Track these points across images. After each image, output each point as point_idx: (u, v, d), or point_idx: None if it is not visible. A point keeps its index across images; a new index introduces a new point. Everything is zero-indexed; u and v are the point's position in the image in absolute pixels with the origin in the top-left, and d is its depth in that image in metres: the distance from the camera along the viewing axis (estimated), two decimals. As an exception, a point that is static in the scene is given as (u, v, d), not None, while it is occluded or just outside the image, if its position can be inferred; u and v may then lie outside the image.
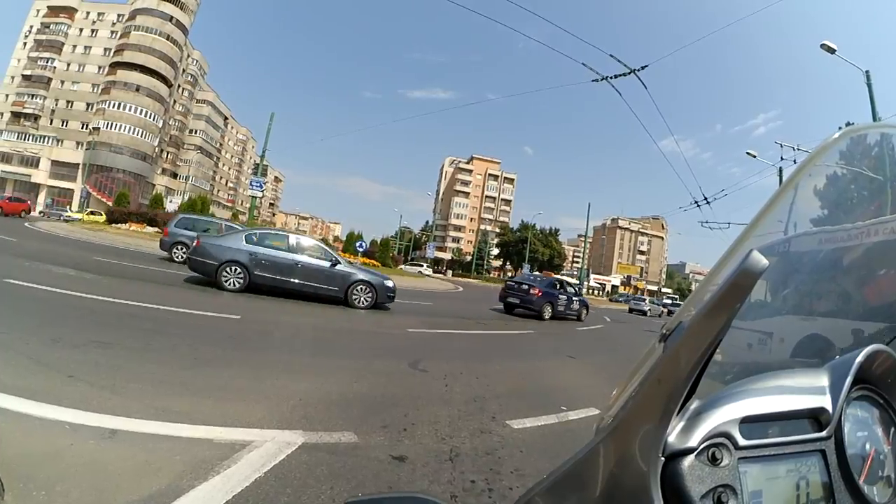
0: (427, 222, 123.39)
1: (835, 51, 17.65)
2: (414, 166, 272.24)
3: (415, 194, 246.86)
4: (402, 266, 65.89)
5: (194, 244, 11.70)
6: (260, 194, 43.20)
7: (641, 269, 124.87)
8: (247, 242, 11.67)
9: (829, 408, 0.69)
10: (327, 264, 12.14)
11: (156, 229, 31.69)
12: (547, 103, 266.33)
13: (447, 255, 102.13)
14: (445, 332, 10.70)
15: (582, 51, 13.07)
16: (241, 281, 11.38)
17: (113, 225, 33.41)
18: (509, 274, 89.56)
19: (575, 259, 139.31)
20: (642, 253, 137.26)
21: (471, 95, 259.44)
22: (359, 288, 12.21)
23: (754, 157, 27.44)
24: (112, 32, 76.29)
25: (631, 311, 46.70)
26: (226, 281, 11.27)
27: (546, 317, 17.58)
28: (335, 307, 11.55)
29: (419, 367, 6.37)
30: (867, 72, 17.91)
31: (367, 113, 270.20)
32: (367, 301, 12.17)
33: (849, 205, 0.99)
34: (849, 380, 0.72)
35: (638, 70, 11.40)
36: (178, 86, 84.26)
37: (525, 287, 18.20)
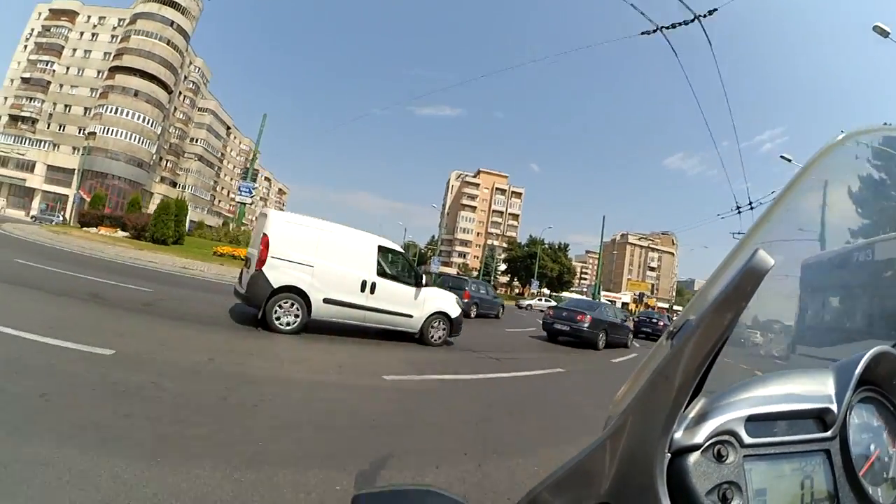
0: (433, 237, 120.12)
1: (888, 34, 15.81)
2: (420, 182, 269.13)
3: (421, 209, 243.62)
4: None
5: (586, 319, 15.39)
6: (249, 201, 40.28)
7: (652, 285, 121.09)
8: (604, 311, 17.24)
9: (835, 408, 0.69)
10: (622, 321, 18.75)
11: (125, 234, 29.20)
12: (553, 119, 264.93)
13: (453, 270, 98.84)
14: (440, 380, 7.51)
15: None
16: (605, 340, 15.97)
17: (84, 228, 30.86)
18: (516, 290, 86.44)
19: (583, 275, 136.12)
20: (652, 269, 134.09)
21: (478, 112, 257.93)
22: (631, 335, 19.11)
23: (789, 160, 25.43)
24: (113, 37, 74.75)
25: None
26: (599, 341, 15.52)
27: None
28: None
29: (377, 482, 3.28)
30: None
31: (377, 129, 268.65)
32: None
33: (856, 204, 0.97)
34: (853, 381, 0.72)
35: (703, 16, 8.39)
36: (179, 93, 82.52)
37: (654, 320, 27.66)
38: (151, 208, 42.14)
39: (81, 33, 75.61)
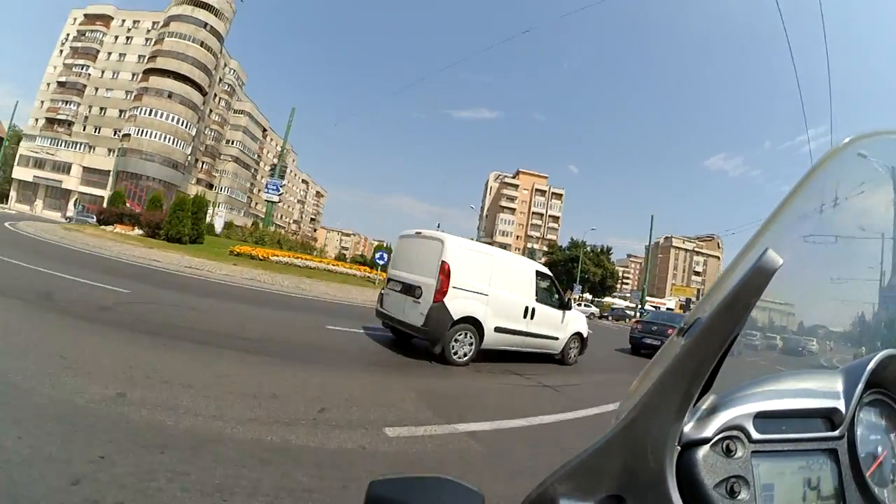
0: (471, 239, 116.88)
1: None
2: (457, 184, 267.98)
3: (457, 212, 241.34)
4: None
5: None
6: (276, 199, 38.23)
7: (698, 290, 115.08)
8: None
9: (843, 409, 0.70)
10: None
11: (141, 232, 27.20)
12: (592, 121, 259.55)
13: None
14: (473, 433, 4.55)
15: None
16: None
17: (101, 226, 29.13)
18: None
19: (624, 280, 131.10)
20: (697, 274, 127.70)
21: (515, 114, 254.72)
22: None
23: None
24: (146, 40, 74.45)
25: None
26: None
27: None
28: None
29: None
30: None
31: (414, 132, 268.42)
32: None
33: (861, 208, 0.95)
34: (861, 384, 0.73)
35: None
36: (214, 95, 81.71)
37: None
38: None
39: (116, 37, 75.56)
